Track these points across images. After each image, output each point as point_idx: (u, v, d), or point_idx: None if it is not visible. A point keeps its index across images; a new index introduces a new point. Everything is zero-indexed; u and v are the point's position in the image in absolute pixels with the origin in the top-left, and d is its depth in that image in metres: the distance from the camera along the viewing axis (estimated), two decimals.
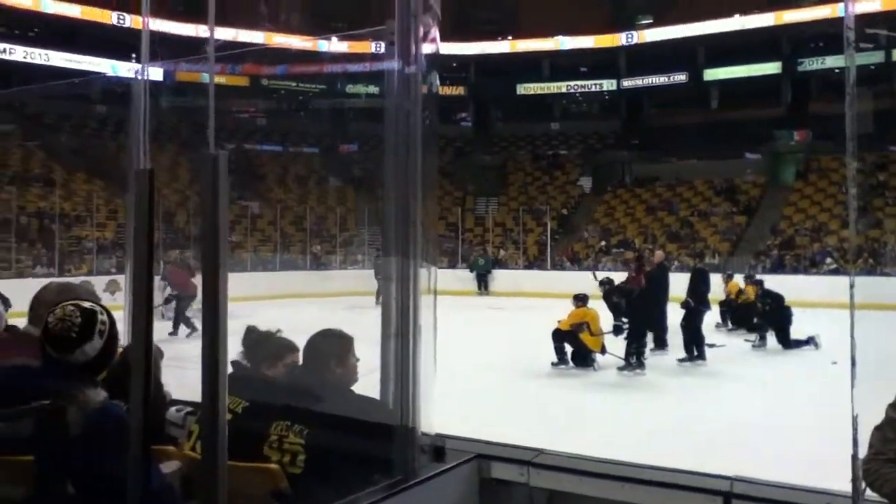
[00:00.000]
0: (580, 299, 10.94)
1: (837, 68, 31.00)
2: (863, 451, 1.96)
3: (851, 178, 2.08)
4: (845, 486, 1.95)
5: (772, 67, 34.04)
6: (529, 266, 27.42)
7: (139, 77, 4.29)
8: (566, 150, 36.98)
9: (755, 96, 33.83)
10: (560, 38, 36.33)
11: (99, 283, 10.40)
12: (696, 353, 10.94)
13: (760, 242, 26.47)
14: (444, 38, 2.42)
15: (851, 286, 1.99)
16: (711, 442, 6.55)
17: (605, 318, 11.22)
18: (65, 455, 1.93)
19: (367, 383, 2.72)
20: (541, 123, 38.40)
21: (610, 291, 12.47)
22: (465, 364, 8.63)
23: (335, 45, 36.34)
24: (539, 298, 19.43)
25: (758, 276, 15.76)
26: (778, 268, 23.42)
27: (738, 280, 15.55)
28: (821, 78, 33.13)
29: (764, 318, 12.84)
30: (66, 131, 31.21)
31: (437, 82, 2.43)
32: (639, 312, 10.91)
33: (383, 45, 2.44)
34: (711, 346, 11.38)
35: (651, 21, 36.54)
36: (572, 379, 10.17)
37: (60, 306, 2.13)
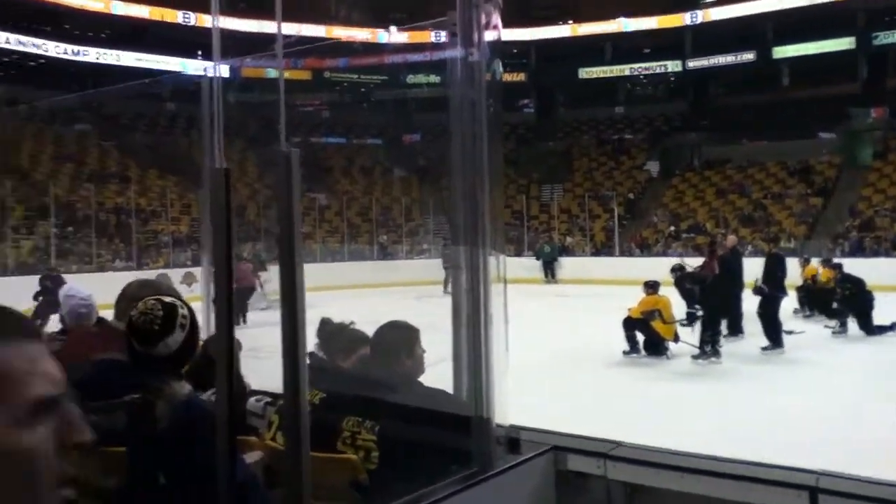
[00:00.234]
0: (651, 286, 10.71)
1: None
2: None
3: None
4: None
5: (845, 42, 32.38)
6: (597, 253, 27.01)
7: (209, 74, 4.39)
8: (631, 134, 36.25)
9: (828, 73, 32.37)
10: (622, 19, 35.53)
11: (175, 275, 10.76)
12: (773, 340, 10.62)
13: (838, 225, 25.51)
14: (504, 25, 2.40)
15: None
16: (794, 433, 6.32)
17: (678, 306, 10.98)
18: (155, 447, 2.00)
19: (435, 373, 2.73)
20: (605, 108, 37.80)
21: (682, 278, 12.18)
22: (534, 353, 8.56)
23: (395, 35, 36.52)
24: (608, 286, 19.15)
25: (836, 260, 15.16)
26: (857, 251, 22.54)
27: (815, 264, 15.04)
28: None
29: (843, 303, 12.37)
30: (140, 130, 32.32)
31: (501, 70, 2.41)
32: (712, 299, 10.64)
33: (443, 34, 2.43)
34: (790, 332, 10.99)
35: None
36: (645, 368, 9.99)
37: (143, 301, 2.21)
